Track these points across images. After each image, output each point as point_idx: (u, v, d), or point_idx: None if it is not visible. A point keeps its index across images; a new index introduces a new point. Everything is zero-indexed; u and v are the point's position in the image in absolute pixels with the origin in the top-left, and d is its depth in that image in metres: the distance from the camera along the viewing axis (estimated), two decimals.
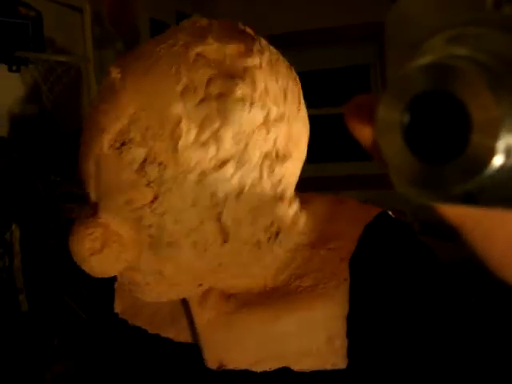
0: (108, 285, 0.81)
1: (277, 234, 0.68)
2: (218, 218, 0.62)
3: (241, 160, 0.62)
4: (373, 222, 0.70)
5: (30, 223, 2.19)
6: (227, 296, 0.71)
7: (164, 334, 0.74)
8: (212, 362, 0.70)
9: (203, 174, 0.61)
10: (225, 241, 0.64)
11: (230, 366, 0.69)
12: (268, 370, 0.68)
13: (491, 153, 0.22)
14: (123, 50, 3.17)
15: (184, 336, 0.73)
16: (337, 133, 3.98)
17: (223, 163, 0.61)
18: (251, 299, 0.70)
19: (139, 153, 0.61)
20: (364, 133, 0.29)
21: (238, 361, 0.69)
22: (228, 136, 0.61)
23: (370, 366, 0.66)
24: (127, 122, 0.61)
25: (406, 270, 0.66)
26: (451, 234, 0.30)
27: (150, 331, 0.75)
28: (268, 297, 0.69)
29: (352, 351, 0.66)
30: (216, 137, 0.60)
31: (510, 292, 0.31)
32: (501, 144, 0.22)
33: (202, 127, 0.60)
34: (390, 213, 0.73)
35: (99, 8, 3.01)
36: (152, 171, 0.61)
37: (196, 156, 0.60)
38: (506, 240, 0.29)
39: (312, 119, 0.76)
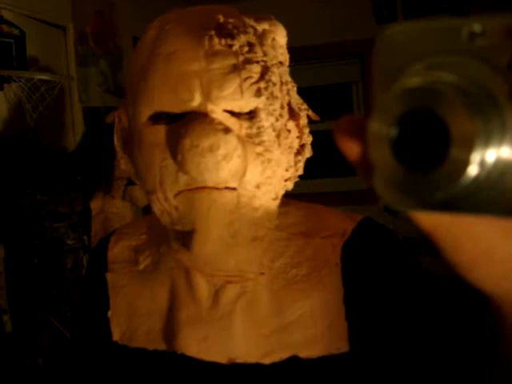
0: (102, 314, 0.81)
1: None
2: None
3: None
4: (363, 219, 0.76)
5: (14, 242, 2.17)
6: (238, 293, 0.72)
7: (161, 348, 0.76)
8: (222, 357, 0.71)
9: None
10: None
11: (240, 360, 0.71)
12: (277, 361, 0.70)
13: (467, 164, 0.25)
14: (106, 68, 3.17)
15: (176, 346, 0.74)
16: (319, 149, 4.00)
17: None
18: (256, 292, 0.71)
19: None
20: (351, 148, 0.31)
21: (247, 354, 0.71)
22: None
23: (370, 346, 0.69)
24: None
25: (394, 257, 0.72)
26: (431, 249, 0.33)
27: (148, 349, 0.76)
28: (269, 288, 0.72)
29: (352, 333, 0.70)
30: None
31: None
32: (475, 157, 0.25)
33: None
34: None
35: (82, 27, 3.01)
36: None
37: None
38: (473, 246, 0.32)
39: None
